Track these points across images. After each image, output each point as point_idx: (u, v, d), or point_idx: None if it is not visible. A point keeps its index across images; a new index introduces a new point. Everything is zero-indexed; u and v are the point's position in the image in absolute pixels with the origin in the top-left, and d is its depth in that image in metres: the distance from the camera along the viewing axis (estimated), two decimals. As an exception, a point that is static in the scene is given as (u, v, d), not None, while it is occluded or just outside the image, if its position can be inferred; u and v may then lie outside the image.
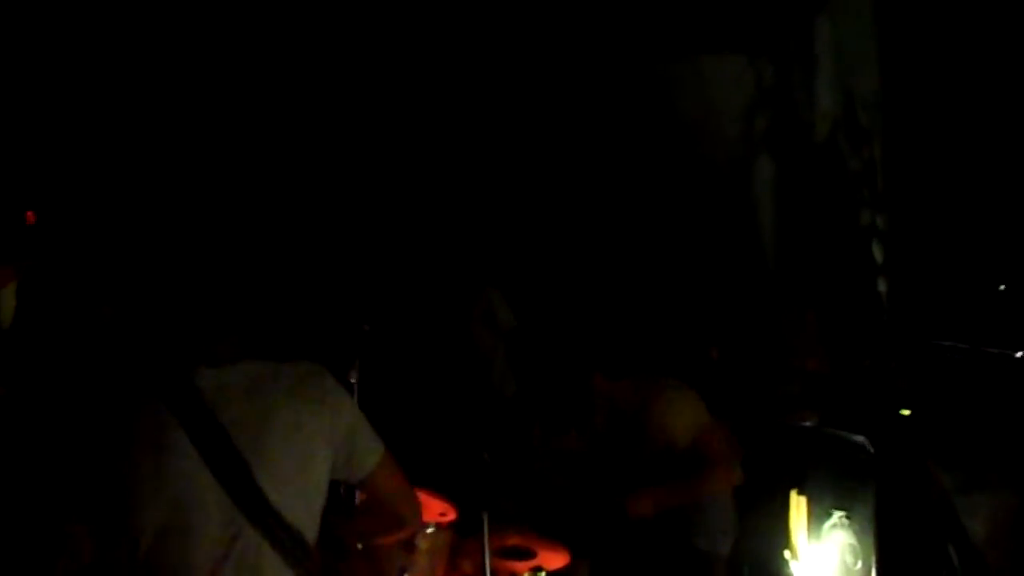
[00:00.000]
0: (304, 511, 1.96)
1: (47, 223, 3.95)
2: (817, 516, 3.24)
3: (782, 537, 3.46)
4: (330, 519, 2.08)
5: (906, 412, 3.23)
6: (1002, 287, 3.62)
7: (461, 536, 3.21)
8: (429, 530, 3.11)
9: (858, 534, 3.07)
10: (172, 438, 1.86)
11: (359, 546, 2.94)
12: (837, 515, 3.15)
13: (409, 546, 3.08)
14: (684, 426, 3.32)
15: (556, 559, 3.25)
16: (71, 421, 1.90)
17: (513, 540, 3.28)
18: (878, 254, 4.63)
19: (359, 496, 2.92)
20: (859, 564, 3.05)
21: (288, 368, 2.00)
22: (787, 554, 3.42)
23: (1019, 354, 3.04)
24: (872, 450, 3.09)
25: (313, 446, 1.97)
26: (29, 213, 3.89)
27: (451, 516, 3.21)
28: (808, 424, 3.40)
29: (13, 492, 1.89)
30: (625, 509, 3.28)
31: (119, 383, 1.94)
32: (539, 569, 3.16)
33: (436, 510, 3.23)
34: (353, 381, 3.26)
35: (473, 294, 4.30)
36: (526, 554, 3.25)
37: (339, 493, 2.81)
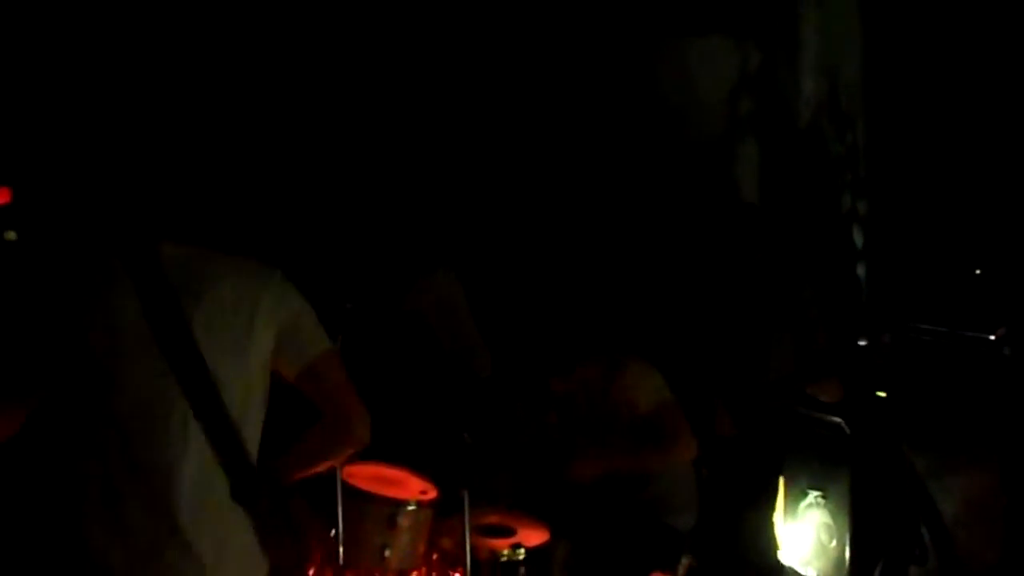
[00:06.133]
0: (240, 385, 1.97)
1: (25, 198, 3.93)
2: (794, 496, 3.29)
3: (760, 516, 3.51)
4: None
5: (882, 394, 3.27)
6: (978, 271, 3.67)
7: (442, 514, 3.24)
8: (410, 508, 3.13)
9: (833, 513, 3.11)
10: (119, 285, 1.95)
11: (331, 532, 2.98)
12: (813, 495, 3.20)
13: (391, 523, 3.10)
14: (646, 398, 3.42)
15: (535, 536, 3.28)
16: (40, 276, 2.00)
17: (493, 518, 3.31)
18: (858, 238, 4.67)
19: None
20: (834, 542, 3.10)
21: (242, 257, 2.08)
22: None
23: (993, 337, 3.07)
24: (848, 431, 3.13)
25: (254, 319, 1.99)
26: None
27: (432, 494, 3.23)
28: (826, 399, 3.41)
29: None
30: (568, 472, 3.34)
31: (82, 238, 2.07)
32: (518, 546, 3.20)
33: (417, 488, 3.25)
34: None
35: (426, 275, 4.19)
36: (506, 532, 3.29)
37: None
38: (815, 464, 3.21)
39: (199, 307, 1.96)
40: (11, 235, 3.77)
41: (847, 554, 3.07)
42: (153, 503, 1.91)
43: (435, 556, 3.28)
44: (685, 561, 3.40)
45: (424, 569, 3.24)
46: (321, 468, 2.17)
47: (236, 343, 1.98)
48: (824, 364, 3.79)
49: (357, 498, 3.09)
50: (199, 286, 1.98)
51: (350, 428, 2.09)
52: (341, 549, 3.02)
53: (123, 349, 1.92)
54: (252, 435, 2.01)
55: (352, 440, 2.10)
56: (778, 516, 3.38)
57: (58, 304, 1.96)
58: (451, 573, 3.26)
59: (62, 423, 1.95)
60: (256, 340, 2.00)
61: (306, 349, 2.06)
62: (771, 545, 3.42)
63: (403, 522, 3.11)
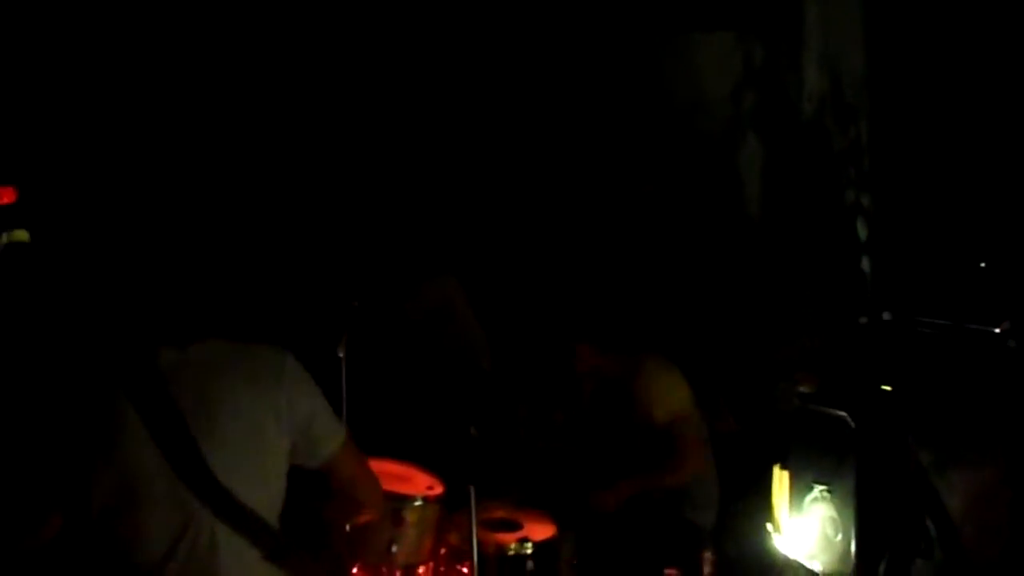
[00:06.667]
0: (259, 495, 1.96)
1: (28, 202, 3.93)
2: (799, 490, 3.29)
3: (765, 511, 3.52)
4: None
5: (887, 388, 3.27)
6: (982, 264, 3.67)
7: (448, 509, 3.25)
8: (417, 503, 3.14)
9: (839, 507, 3.11)
10: (127, 420, 1.87)
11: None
12: (818, 489, 3.20)
13: (397, 519, 3.11)
14: (664, 407, 3.40)
15: (542, 530, 3.29)
16: (30, 403, 1.91)
17: (499, 513, 3.32)
18: (862, 232, 4.68)
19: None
20: (839, 536, 3.10)
21: (250, 350, 2.00)
22: (769, 527, 3.47)
23: (997, 330, 3.08)
24: (853, 425, 3.13)
25: (266, 429, 1.96)
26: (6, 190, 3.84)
27: (438, 490, 3.24)
28: (804, 391, 3.44)
29: None
30: (589, 502, 3.37)
31: (80, 365, 1.94)
32: (525, 540, 3.21)
33: (423, 484, 3.27)
34: (341, 356, 3.28)
35: (427, 280, 4.17)
36: (512, 526, 3.30)
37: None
38: (820, 458, 3.22)
39: (211, 426, 1.91)
40: (22, 235, 3.75)
41: (852, 548, 3.07)
42: None
43: (442, 551, 3.29)
44: (709, 556, 3.40)
45: (431, 564, 3.26)
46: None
47: (252, 454, 1.95)
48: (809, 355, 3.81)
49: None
50: (209, 405, 1.92)
51: (362, 508, 2.21)
52: (349, 545, 3.03)
53: (140, 485, 1.87)
54: (276, 512, 2.01)
55: (363, 515, 2.23)
56: (783, 510, 3.39)
57: (68, 447, 1.88)
58: (458, 568, 3.27)
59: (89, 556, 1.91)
60: (271, 445, 1.98)
61: (321, 448, 2.06)
62: (767, 537, 3.44)
63: (410, 518, 3.12)
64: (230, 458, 1.91)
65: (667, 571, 3.33)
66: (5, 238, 3.79)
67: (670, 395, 3.43)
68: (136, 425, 1.86)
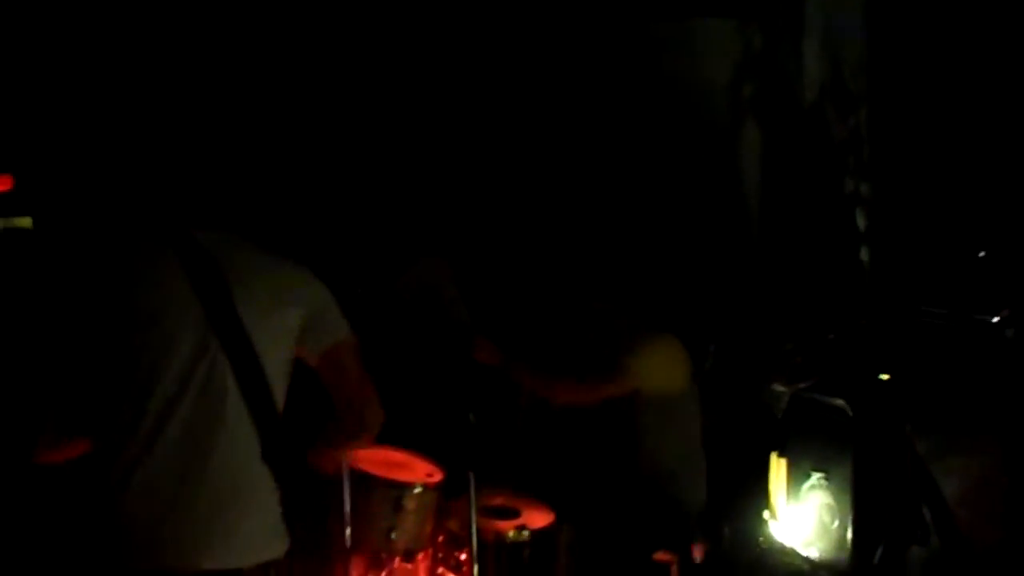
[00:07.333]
0: (272, 358, 2.06)
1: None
2: (796, 477, 3.31)
3: (762, 498, 3.54)
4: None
5: (885, 376, 3.29)
6: (981, 254, 3.68)
7: (448, 497, 3.26)
8: (416, 491, 3.15)
9: (836, 495, 3.14)
10: (163, 264, 2.03)
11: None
12: (816, 476, 3.22)
13: (397, 506, 3.13)
14: (659, 382, 3.36)
15: (540, 518, 3.31)
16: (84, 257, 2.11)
17: (498, 500, 3.34)
18: (861, 221, 4.69)
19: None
20: (836, 523, 3.13)
21: (268, 248, 2.18)
22: (767, 514, 3.49)
23: (996, 319, 3.09)
24: (851, 414, 3.15)
25: (287, 298, 2.10)
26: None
27: (438, 477, 3.25)
28: (780, 389, 3.46)
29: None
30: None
31: (124, 231, 2.15)
32: (524, 528, 3.22)
33: (423, 471, 3.27)
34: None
35: (411, 262, 4.19)
36: (511, 513, 3.31)
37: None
38: (818, 446, 3.24)
39: (236, 282, 2.05)
40: (24, 221, 3.77)
41: (849, 535, 3.09)
42: (188, 458, 1.98)
43: (441, 538, 3.31)
44: (700, 542, 3.40)
45: (430, 550, 3.27)
46: (336, 452, 2.31)
47: (268, 318, 2.06)
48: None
49: (364, 482, 3.12)
50: (235, 265, 2.07)
51: (362, 416, 2.21)
52: (348, 532, 3.05)
53: (169, 314, 2.00)
54: (279, 405, 2.09)
55: (363, 427, 2.22)
56: (780, 497, 3.41)
57: (101, 278, 2.03)
58: (457, 554, 3.29)
59: (106, 387, 2.01)
60: (286, 318, 2.09)
61: (330, 334, 2.15)
62: (764, 524, 3.45)
63: (409, 505, 3.13)
64: (253, 309, 2.04)
65: (658, 556, 3.35)
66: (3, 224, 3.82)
67: (665, 370, 3.39)
68: (171, 263, 2.02)
